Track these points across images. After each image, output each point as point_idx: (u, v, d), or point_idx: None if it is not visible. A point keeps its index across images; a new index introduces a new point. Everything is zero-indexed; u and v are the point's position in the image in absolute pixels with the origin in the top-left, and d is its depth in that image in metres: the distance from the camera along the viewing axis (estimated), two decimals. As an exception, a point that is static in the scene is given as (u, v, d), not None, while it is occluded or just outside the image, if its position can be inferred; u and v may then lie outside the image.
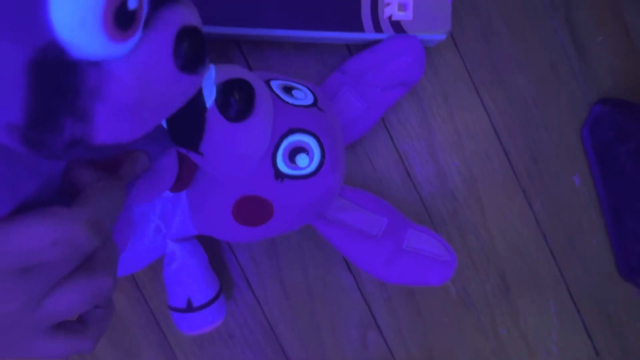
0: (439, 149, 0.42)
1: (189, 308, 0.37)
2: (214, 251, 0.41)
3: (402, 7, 0.37)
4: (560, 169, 0.42)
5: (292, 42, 0.41)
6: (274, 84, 0.33)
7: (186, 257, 0.37)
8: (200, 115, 0.28)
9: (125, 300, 0.41)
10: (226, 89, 0.28)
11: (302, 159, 0.32)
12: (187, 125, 0.28)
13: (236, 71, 0.30)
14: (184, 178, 0.32)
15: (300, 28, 0.37)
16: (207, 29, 0.37)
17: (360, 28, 0.37)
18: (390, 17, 0.37)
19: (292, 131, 0.32)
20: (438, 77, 0.41)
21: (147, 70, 0.18)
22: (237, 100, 0.28)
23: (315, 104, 0.34)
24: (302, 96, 0.34)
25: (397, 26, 0.37)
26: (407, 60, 0.37)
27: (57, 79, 0.16)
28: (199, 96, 0.27)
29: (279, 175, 0.32)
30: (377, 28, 0.37)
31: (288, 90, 0.34)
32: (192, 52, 0.19)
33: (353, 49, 0.41)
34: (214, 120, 0.28)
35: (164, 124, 0.28)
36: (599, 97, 0.42)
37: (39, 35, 0.15)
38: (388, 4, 0.37)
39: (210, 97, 0.28)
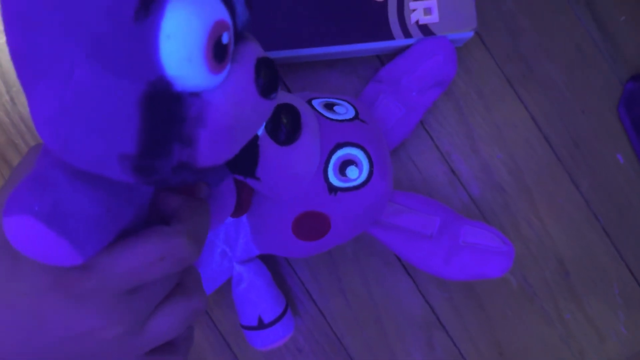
0: (480, 144, 0.42)
1: (261, 325, 0.38)
2: (274, 268, 0.42)
3: (428, 11, 0.39)
4: (602, 149, 0.43)
5: (324, 60, 0.42)
6: (316, 103, 0.35)
7: (253, 277, 0.39)
8: (253, 143, 0.30)
9: (195, 324, 0.42)
10: (274, 115, 0.30)
11: (352, 171, 0.34)
12: (242, 154, 0.30)
13: (281, 96, 0.32)
14: (243, 203, 0.34)
15: (332, 44, 0.39)
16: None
17: (390, 36, 0.39)
18: (417, 22, 0.39)
19: (339, 146, 0.33)
20: (470, 75, 0.43)
21: (238, 97, 0.20)
22: (286, 124, 0.30)
23: (356, 116, 0.35)
24: (344, 111, 0.35)
25: (425, 29, 0.39)
26: (438, 59, 0.38)
27: (166, 110, 0.18)
28: None
29: (332, 189, 0.33)
30: (406, 34, 0.39)
31: (329, 106, 0.35)
32: (268, 79, 0.21)
33: (384, 59, 0.42)
34: (266, 146, 0.30)
35: None
36: (630, 74, 0.43)
37: (151, 72, 0.17)
38: (414, 10, 0.39)
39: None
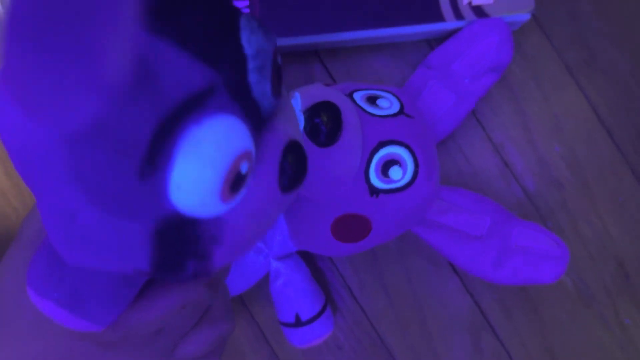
0: (537, 136, 0.40)
1: (298, 323, 0.37)
2: (312, 262, 0.41)
3: None
4: (671, 144, 0.40)
5: (370, 44, 0.40)
6: (358, 96, 0.33)
7: (290, 273, 0.37)
8: None
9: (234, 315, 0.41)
10: (313, 115, 0.29)
11: (395, 172, 0.31)
12: None
13: (319, 93, 0.30)
14: None
15: (377, 27, 0.37)
16: (284, 41, 0.37)
17: (440, 18, 0.36)
18: (470, 3, 0.36)
19: (382, 144, 0.31)
20: (527, 61, 0.40)
21: (257, 207, 0.18)
22: (325, 123, 0.29)
23: (401, 110, 0.33)
24: (388, 105, 0.33)
25: (478, 11, 0.36)
26: (493, 42, 0.36)
27: (179, 235, 0.17)
28: None
29: (374, 191, 0.31)
30: (458, 15, 0.36)
31: (372, 100, 0.33)
32: (294, 172, 0.19)
33: (434, 44, 0.40)
34: (306, 148, 0.28)
35: None
36: None
37: (160, 212, 0.16)
38: None
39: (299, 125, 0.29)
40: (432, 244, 0.35)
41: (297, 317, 0.37)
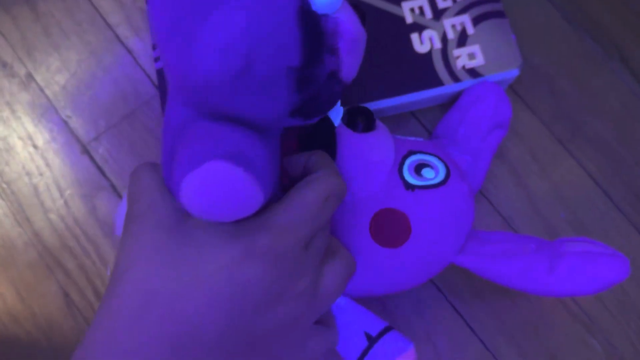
0: (541, 205, 0.42)
1: (371, 340, 0.33)
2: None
3: (472, 55, 0.40)
4: (665, 199, 0.42)
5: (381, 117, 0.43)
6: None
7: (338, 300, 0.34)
8: (331, 132, 0.32)
9: None
10: (350, 110, 0.33)
11: (427, 172, 0.33)
12: (321, 146, 0.32)
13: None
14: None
15: (382, 97, 0.40)
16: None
17: (439, 82, 0.40)
18: (464, 67, 0.40)
19: (412, 152, 0.34)
20: (520, 137, 0.43)
21: (352, 15, 0.24)
22: (362, 113, 0.33)
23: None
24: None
25: (472, 72, 0.40)
26: (490, 102, 0.38)
27: (315, 24, 0.22)
28: (326, 119, 0.32)
29: (409, 186, 0.33)
30: (455, 79, 0.40)
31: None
32: (360, 12, 0.26)
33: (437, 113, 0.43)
34: (344, 134, 0.32)
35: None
36: (679, 123, 0.43)
37: None
38: (458, 57, 0.40)
39: (337, 118, 0.32)
40: (477, 270, 0.34)
41: (368, 336, 0.33)
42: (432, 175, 0.33)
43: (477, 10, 0.41)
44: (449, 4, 0.41)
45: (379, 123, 0.34)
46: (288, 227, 0.21)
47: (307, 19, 0.21)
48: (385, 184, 0.33)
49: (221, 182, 0.18)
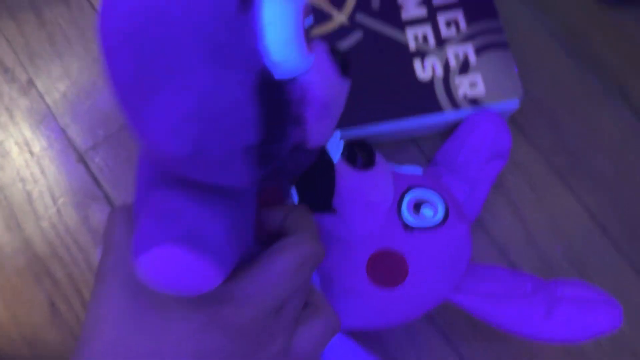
0: (537, 236, 0.42)
1: None
2: None
3: (474, 84, 0.40)
4: (662, 237, 0.42)
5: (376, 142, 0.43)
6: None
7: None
8: (330, 169, 0.31)
9: None
10: (349, 145, 0.32)
11: (427, 209, 0.33)
12: (319, 183, 0.31)
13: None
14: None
15: (383, 120, 0.40)
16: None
17: (439, 109, 0.40)
18: (465, 95, 0.40)
19: (411, 187, 0.34)
20: (518, 168, 0.43)
21: (325, 75, 0.21)
22: (362, 149, 0.32)
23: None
24: (412, 170, 0.36)
25: (473, 101, 0.40)
26: (490, 130, 0.38)
27: (276, 95, 0.19)
28: (325, 154, 0.32)
29: (408, 227, 0.32)
30: (455, 106, 0.40)
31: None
32: (341, 57, 0.23)
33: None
34: (343, 172, 0.31)
35: (295, 195, 0.32)
36: (678, 161, 0.43)
37: (258, 62, 0.18)
38: (460, 85, 0.40)
39: (336, 153, 0.32)
40: (472, 310, 0.34)
41: None
42: (431, 214, 0.33)
43: (481, 40, 0.41)
44: (452, 32, 0.41)
45: (378, 158, 0.34)
46: (254, 297, 0.21)
47: (267, 91, 0.19)
48: (383, 224, 0.32)
49: (172, 266, 0.18)
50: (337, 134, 0.33)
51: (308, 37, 0.20)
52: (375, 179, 0.32)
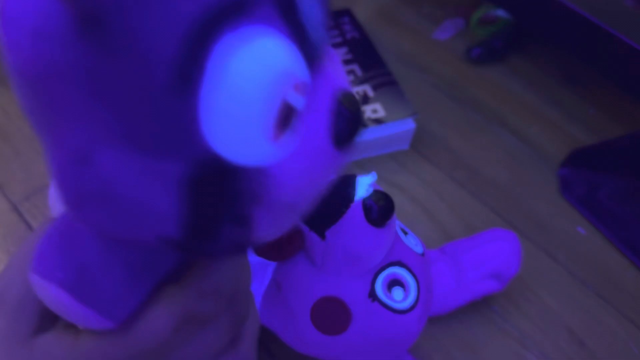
0: (454, 236, 0.45)
1: None
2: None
3: (375, 110, 0.48)
4: (563, 226, 0.47)
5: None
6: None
7: None
8: (344, 205, 0.29)
9: None
10: (376, 194, 0.30)
11: (397, 292, 0.32)
12: (326, 210, 0.29)
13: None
14: (286, 251, 0.32)
15: None
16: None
17: None
18: (369, 118, 0.47)
19: (394, 264, 0.33)
20: (428, 184, 0.49)
21: (307, 163, 0.15)
22: (382, 204, 0.30)
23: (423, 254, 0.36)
24: (414, 244, 0.36)
25: (377, 121, 0.47)
26: (504, 248, 0.38)
27: (217, 189, 0.14)
28: (349, 187, 0.30)
29: (373, 295, 0.32)
30: (363, 126, 0.45)
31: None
32: (347, 123, 0.15)
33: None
34: (354, 215, 0.30)
35: None
36: (558, 164, 0.50)
37: (195, 151, 0.13)
38: (364, 111, 0.47)
39: (360, 193, 0.30)
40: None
41: None
42: (400, 298, 0.32)
43: (375, 81, 0.50)
44: (351, 78, 0.50)
45: (393, 218, 0.32)
46: (130, 341, 0.18)
47: (202, 185, 0.14)
48: (355, 280, 0.32)
49: (59, 303, 0.17)
50: (374, 175, 0.31)
51: (290, 120, 0.14)
52: (378, 238, 0.31)
